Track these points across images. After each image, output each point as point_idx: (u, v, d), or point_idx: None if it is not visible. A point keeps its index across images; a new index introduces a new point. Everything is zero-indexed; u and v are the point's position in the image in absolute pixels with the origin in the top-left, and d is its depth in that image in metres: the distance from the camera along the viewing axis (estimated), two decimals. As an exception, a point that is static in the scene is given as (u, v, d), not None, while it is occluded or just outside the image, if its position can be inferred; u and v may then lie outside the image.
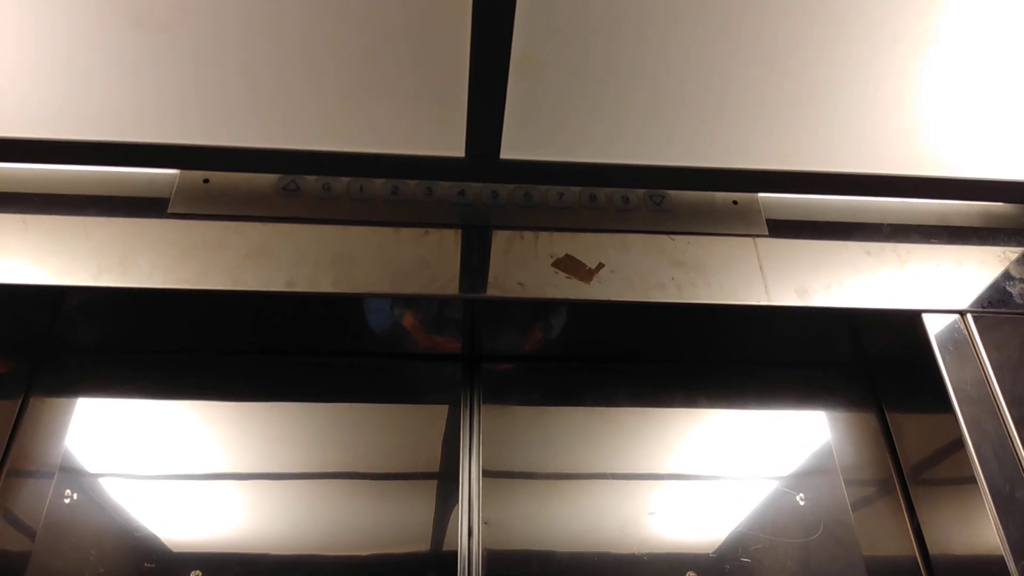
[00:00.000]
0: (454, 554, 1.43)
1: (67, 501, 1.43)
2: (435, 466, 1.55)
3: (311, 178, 1.50)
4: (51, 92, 1.29)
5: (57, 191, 1.44)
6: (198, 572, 1.37)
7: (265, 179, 1.50)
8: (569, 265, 1.46)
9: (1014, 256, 1.57)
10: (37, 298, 1.43)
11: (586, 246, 1.49)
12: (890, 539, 1.54)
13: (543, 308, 1.52)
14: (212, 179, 1.49)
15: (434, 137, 1.39)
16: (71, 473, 1.46)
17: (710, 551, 1.48)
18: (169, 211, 1.44)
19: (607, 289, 1.44)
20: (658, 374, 1.70)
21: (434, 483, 1.53)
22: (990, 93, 1.38)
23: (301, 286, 1.38)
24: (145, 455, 1.50)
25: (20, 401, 1.53)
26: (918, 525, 1.53)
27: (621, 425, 1.62)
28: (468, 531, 1.45)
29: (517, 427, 1.61)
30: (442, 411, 1.61)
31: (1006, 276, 1.54)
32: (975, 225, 1.61)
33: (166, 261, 1.38)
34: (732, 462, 1.60)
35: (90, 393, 1.57)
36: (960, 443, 1.36)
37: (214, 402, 1.58)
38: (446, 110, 1.33)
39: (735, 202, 1.58)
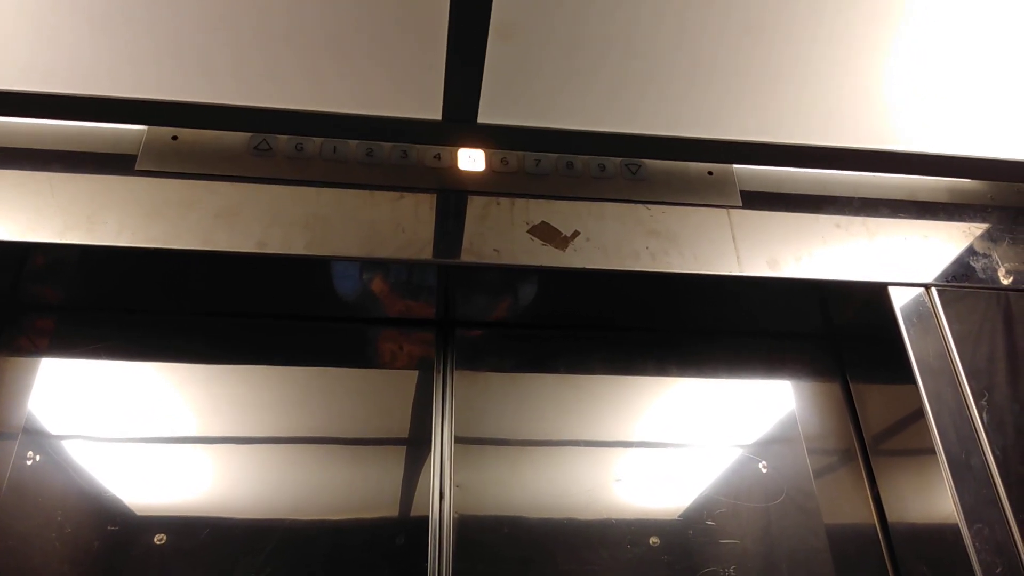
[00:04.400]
0: (425, 519, 1.43)
1: (29, 463, 1.40)
2: (407, 431, 1.55)
3: (283, 137, 1.48)
4: (15, 43, 1.25)
5: (20, 145, 1.40)
6: (163, 536, 1.36)
7: (236, 137, 1.47)
8: (545, 232, 1.46)
9: (979, 232, 1.61)
10: (0, 255, 1.40)
11: (562, 214, 1.49)
12: (850, 507, 1.58)
13: (518, 275, 1.52)
14: (181, 136, 1.46)
15: (411, 99, 1.37)
16: (34, 435, 1.44)
17: (675, 516, 1.51)
18: (137, 168, 1.41)
19: (582, 257, 1.45)
20: (631, 342, 1.71)
21: (406, 448, 1.53)
22: (960, 72, 1.40)
23: (273, 247, 1.36)
24: (110, 417, 1.48)
25: (-18, 360, 1.50)
26: (878, 493, 1.57)
27: (593, 392, 1.64)
28: (440, 495, 1.46)
29: (490, 393, 1.61)
30: (415, 376, 1.61)
31: (970, 251, 1.57)
32: (942, 201, 1.64)
33: (134, 220, 1.35)
34: (699, 430, 1.62)
35: (55, 353, 1.54)
36: (920, 413, 1.40)
37: (182, 364, 1.56)
38: (424, 71, 1.31)
39: (710, 173, 1.59)
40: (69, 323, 1.58)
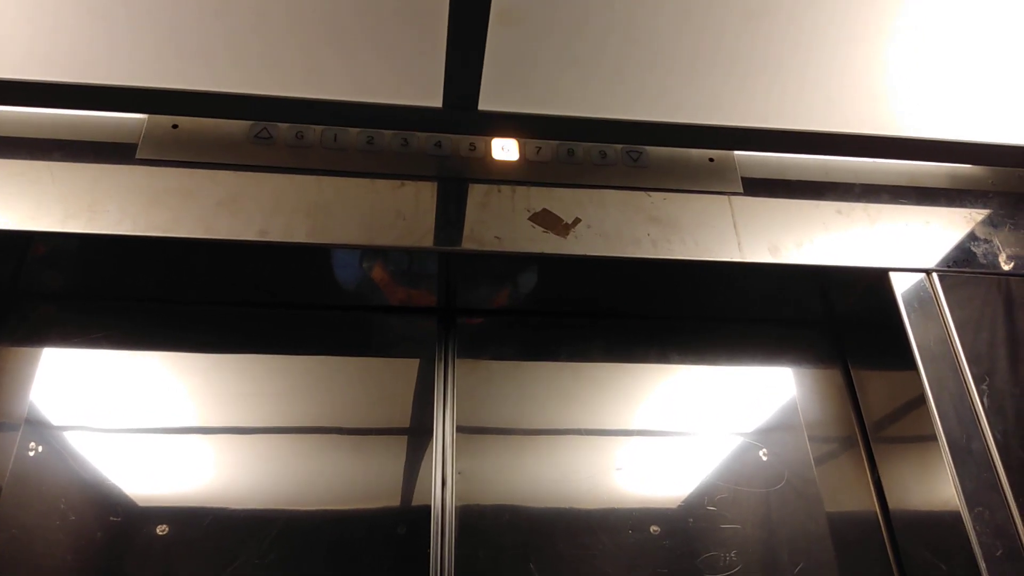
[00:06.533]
0: (427, 507, 1.43)
1: (32, 454, 1.40)
2: (409, 420, 1.55)
3: (284, 126, 1.48)
4: (15, 31, 1.24)
5: (21, 134, 1.40)
6: (165, 527, 1.36)
7: (236, 126, 1.47)
8: (546, 219, 1.46)
9: (980, 217, 1.61)
10: (1, 244, 1.40)
11: (563, 201, 1.49)
12: (851, 493, 1.58)
13: (519, 262, 1.52)
14: (181, 124, 1.46)
15: (411, 86, 1.37)
16: (37, 425, 1.44)
17: (676, 503, 1.51)
18: (137, 157, 1.40)
19: (583, 244, 1.45)
20: (632, 329, 1.72)
21: (408, 438, 1.53)
22: (960, 57, 1.39)
23: (275, 236, 1.36)
24: (112, 407, 1.48)
25: (-16, 350, 1.50)
26: (879, 479, 1.57)
27: (595, 380, 1.64)
28: (442, 483, 1.46)
29: (492, 381, 1.61)
30: (416, 365, 1.61)
31: (971, 237, 1.58)
32: (943, 186, 1.64)
33: (135, 208, 1.34)
34: (700, 417, 1.63)
35: (56, 343, 1.54)
36: (922, 399, 1.40)
37: (183, 353, 1.56)
38: (424, 58, 1.31)
39: (711, 159, 1.58)
40: (71, 312, 1.58)
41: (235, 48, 1.30)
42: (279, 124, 1.48)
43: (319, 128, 1.48)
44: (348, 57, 1.32)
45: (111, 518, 1.36)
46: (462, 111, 1.41)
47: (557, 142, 1.54)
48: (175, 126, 1.45)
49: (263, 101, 1.38)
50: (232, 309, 1.63)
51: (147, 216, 1.34)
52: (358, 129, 1.49)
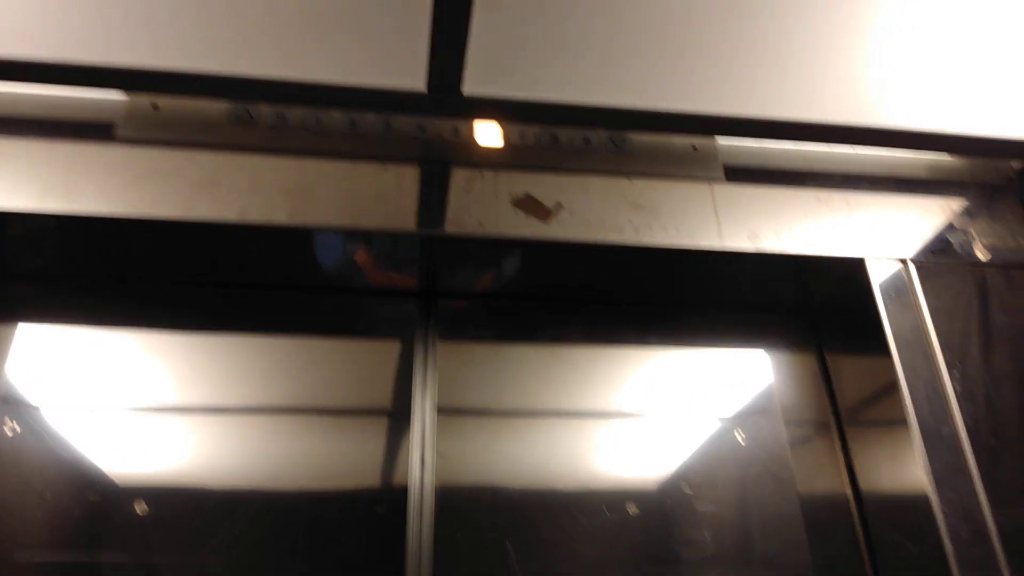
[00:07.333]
0: (406, 488, 1.44)
1: (9, 433, 1.40)
2: (389, 402, 1.56)
3: (266, 107, 1.46)
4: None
5: (-4, 111, 1.38)
6: (143, 505, 1.37)
7: (217, 106, 1.45)
8: (528, 205, 1.46)
9: (957, 207, 1.62)
10: (-24, 222, 1.38)
11: (545, 186, 1.49)
12: (824, 476, 1.61)
13: (501, 246, 1.52)
14: (161, 104, 1.44)
15: (395, 69, 1.36)
16: (13, 404, 1.43)
17: (654, 484, 1.53)
18: (117, 137, 1.39)
19: (565, 229, 1.45)
20: (612, 314, 1.73)
21: (388, 419, 1.54)
22: (941, 49, 1.40)
23: (254, 217, 1.35)
24: (90, 387, 1.47)
25: (-40, 329, 1.48)
26: (851, 463, 1.60)
27: (574, 363, 1.65)
28: (421, 463, 1.47)
29: (472, 364, 1.62)
30: (397, 347, 1.62)
31: (948, 227, 1.60)
32: (922, 177, 1.66)
33: (114, 188, 1.33)
34: (678, 401, 1.65)
35: (33, 321, 1.52)
36: (895, 386, 1.43)
37: (162, 333, 1.55)
38: (408, 41, 1.30)
39: (694, 147, 1.59)
40: (48, 291, 1.56)
41: (217, 28, 1.28)
42: (261, 105, 1.46)
43: (301, 110, 1.47)
44: (332, 39, 1.31)
45: (89, 497, 1.36)
46: (446, 95, 1.41)
47: (540, 127, 1.54)
48: (155, 106, 1.43)
49: (245, 82, 1.37)
50: (211, 290, 1.62)
51: (126, 196, 1.33)
52: (340, 112, 1.48)
